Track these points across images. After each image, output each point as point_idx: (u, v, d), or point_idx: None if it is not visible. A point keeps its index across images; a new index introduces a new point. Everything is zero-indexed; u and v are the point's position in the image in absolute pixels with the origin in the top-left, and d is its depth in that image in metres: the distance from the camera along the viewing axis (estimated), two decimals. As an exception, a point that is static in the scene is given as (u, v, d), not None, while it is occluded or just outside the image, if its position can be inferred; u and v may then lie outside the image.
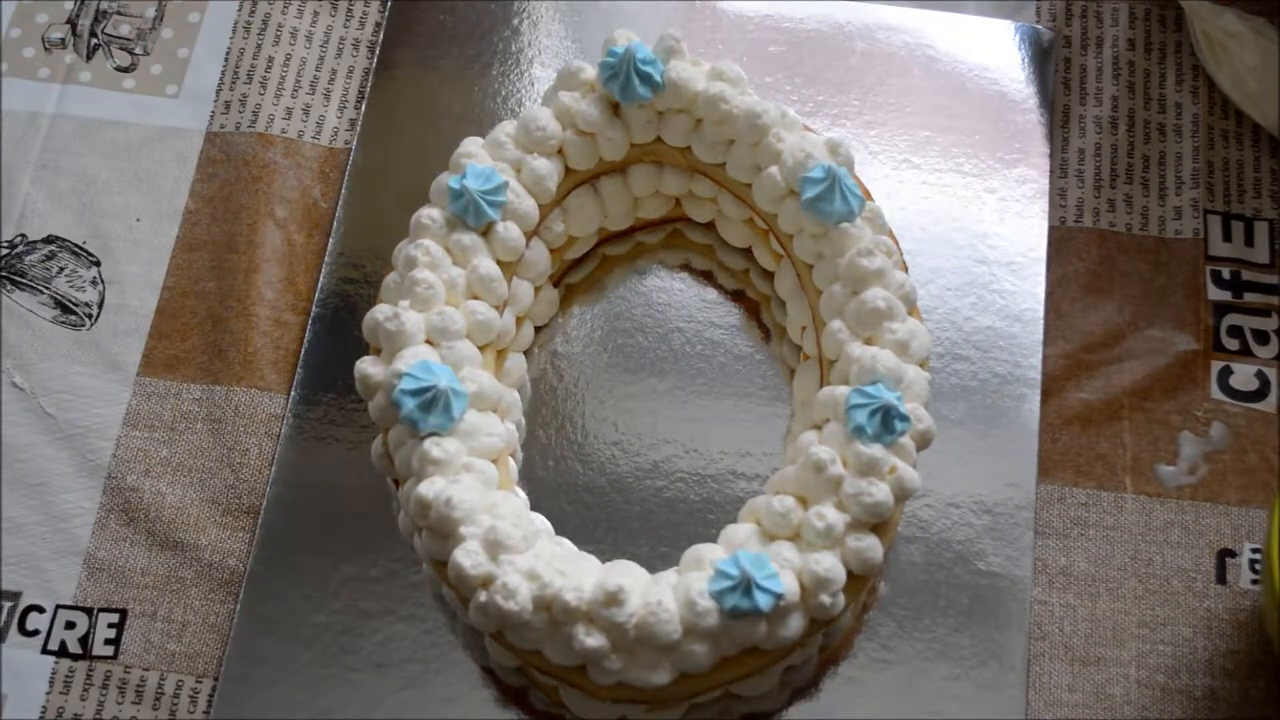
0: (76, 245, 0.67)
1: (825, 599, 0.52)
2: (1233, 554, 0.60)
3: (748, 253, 0.64)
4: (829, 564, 0.52)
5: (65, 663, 0.59)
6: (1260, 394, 0.62)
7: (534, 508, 0.56)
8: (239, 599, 0.59)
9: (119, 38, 0.71)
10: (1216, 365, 0.63)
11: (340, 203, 0.66)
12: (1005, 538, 0.59)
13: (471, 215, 0.57)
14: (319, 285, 0.64)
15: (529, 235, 0.59)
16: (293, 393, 0.62)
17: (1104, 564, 0.60)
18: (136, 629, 0.59)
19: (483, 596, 0.51)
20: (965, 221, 0.65)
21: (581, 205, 0.62)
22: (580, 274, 0.64)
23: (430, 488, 0.52)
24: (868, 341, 0.56)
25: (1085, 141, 0.67)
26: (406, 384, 0.53)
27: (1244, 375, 0.63)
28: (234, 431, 0.62)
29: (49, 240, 0.67)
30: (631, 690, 0.52)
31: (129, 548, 0.61)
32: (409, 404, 0.53)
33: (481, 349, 0.57)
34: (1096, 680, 0.58)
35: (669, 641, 0.51)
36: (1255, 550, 0.60)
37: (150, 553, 0.60)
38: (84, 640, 0.59)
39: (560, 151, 0.60)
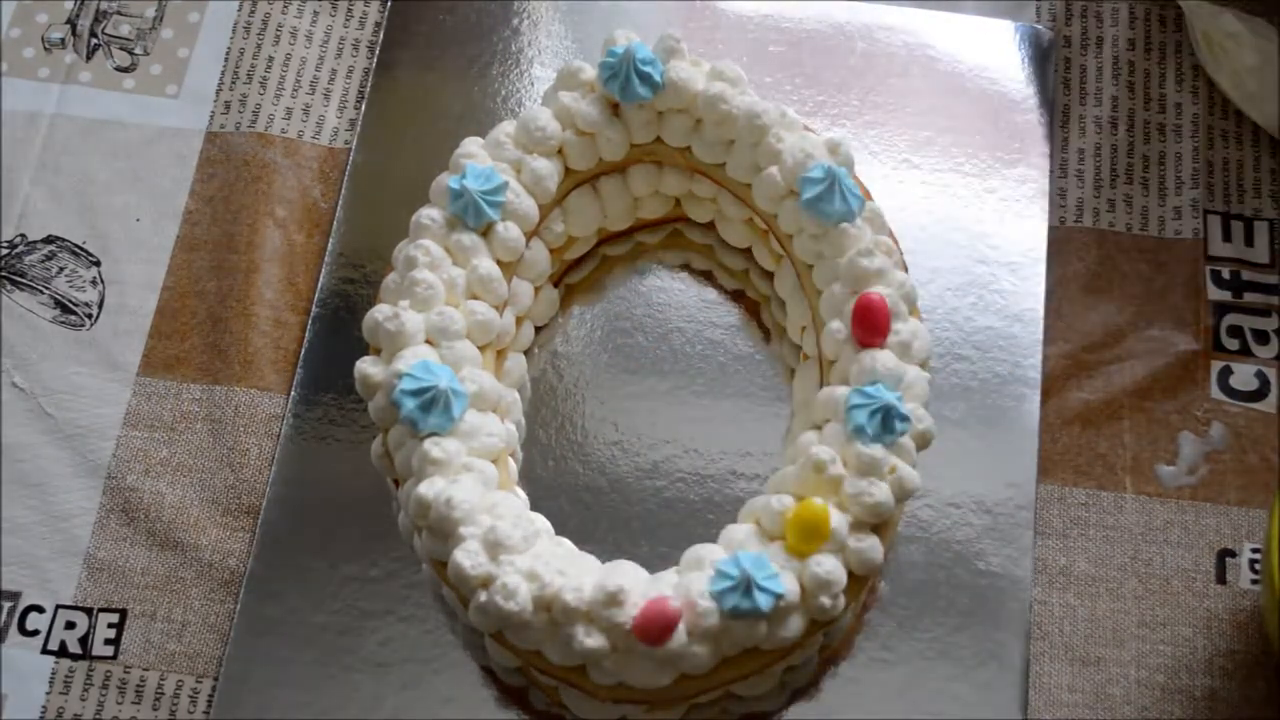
0: (76, 245, 0.67)
1: (825, 600, 0.52)
2: (1233, 554, 0.60)
3: (748, 253, 0.64)
4: (830, 565, 0.52)
5: (65, 663, 0.59)
6: (1260, 394, 0.62)
7: (534, 508, 0.56)
8: (239, 599, 0.59)
9: (119, 38, 0.71)
10: (1216, 365, 0.63)
11: (340, 203, 0.66)
12: (1005, 538, 0.59)
13: (471, 215, 0.57)
14: (319, 285, 0.64)
15: (529, 235, 0.59)
16: (293, 393, 0.62)
17: (1104, 564, 0.60)
18: (136, 629, 0.59)
19: (483, 596, 0.51)
20: (965, 221, 0.65)
21: (581, 205, 0.62)
22: (580, 274, 0.64)
23: (430, 488, 0.52)
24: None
25: (1085, 141, 0.67)
26: (406, 384, 0.53)
27: (1244, 375, 0.63)
28: (234, 431, 0.62)
29: (49, 240, 0.67)
30: (631, 690, 0.52)
31: (129, 548, 0.61)
32: (409, 404, 0.53)
33: (481, 349, 0.57)
34: (1096, 680, 0.58)
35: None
36: (1255, 550, 0.60)
37: (150, 553, 0.60)
38: (84, 640, 0.59)
39: (560, 151, 0.60)
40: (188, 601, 0.60)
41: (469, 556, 0.51)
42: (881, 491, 0.53)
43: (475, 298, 0.57)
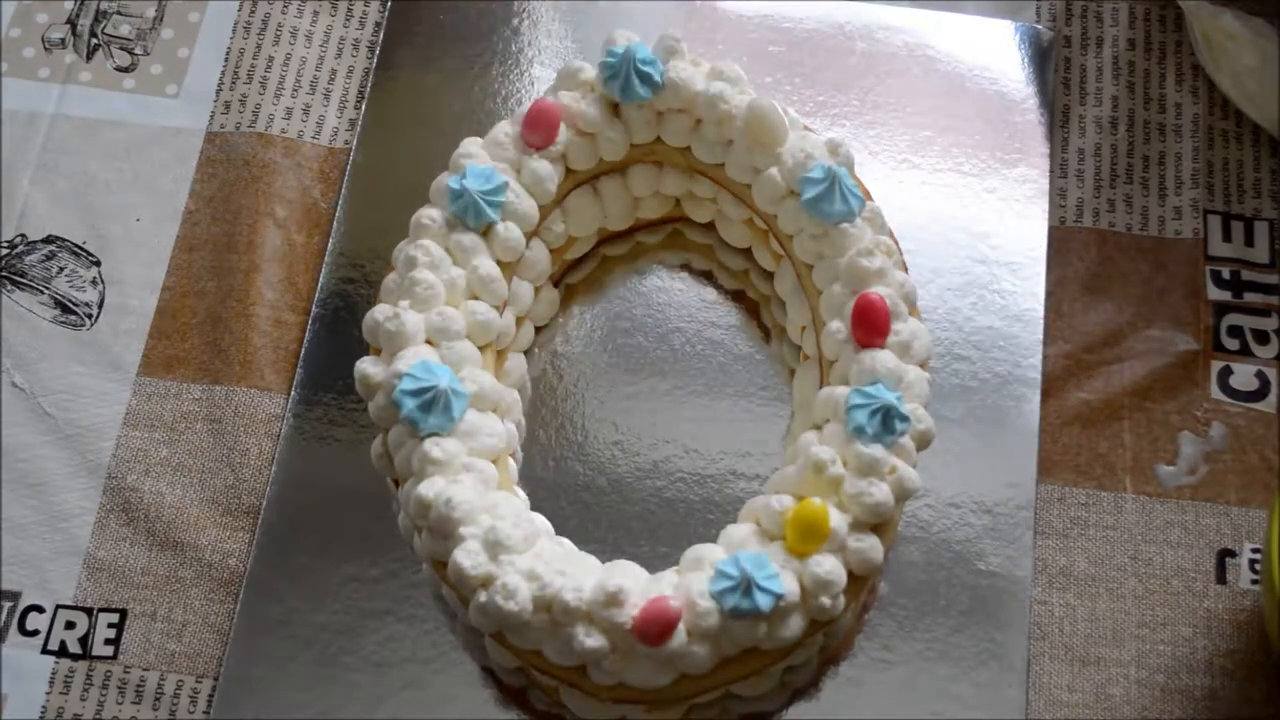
0: (76, 245, 0.67)
1: (825, 600, 0.52)
2: (1233, 554, 0.60)
3: (748, 253, 0.64)
4: (829, 566, 0.52)
5: (65, 663, 0.59)
6: (1260, 394, 0.62)
7: (534, 508, 0.56)
8: (239, 599, 0.59)
9: (119, 38, 0.71)
10: (1216, 365, 0.63)
11: (340, 203, 0.66)
12: (1005, 538, 0.59)
13: (471, 215, 0.57)
14: (319, 285, 0.64)
15: (529, 235, 0.59)
16: (293, 393, 0.62)
17: (1104, 564, 0.60)
18: (136, 629, 0.59)
19: (483, 596, 0.51)
20: (965, 221, 0.65)
21: (581, 205, 0.62)
22: (580, 274, 0.64)
23: (430, 488, 0.52)
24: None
25: (1085, 141, 0.67)
26: (406, 384, 0.53)
27: (1244, 375, 0.63)
28: (234, 431, 0.62)
29: (49, 240, 0.67)
30: (631, 690, 0.52)
31: (129, 548, 0.61)
32: (409, 404, 0.53)
33: (481, 349, 0.57)
34: (1096, 680, 0.58)
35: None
36: (1255, 550, 0.60)
37: (150, 553, 0.60)
38: (84, 640, 0.59)
39: (560, 152, 0.60)
40: (188, 601, 0.60)
41: (469, 556, 0.51)
42: (881, 491, 0.53)
43: (475, 298, 0.57)
